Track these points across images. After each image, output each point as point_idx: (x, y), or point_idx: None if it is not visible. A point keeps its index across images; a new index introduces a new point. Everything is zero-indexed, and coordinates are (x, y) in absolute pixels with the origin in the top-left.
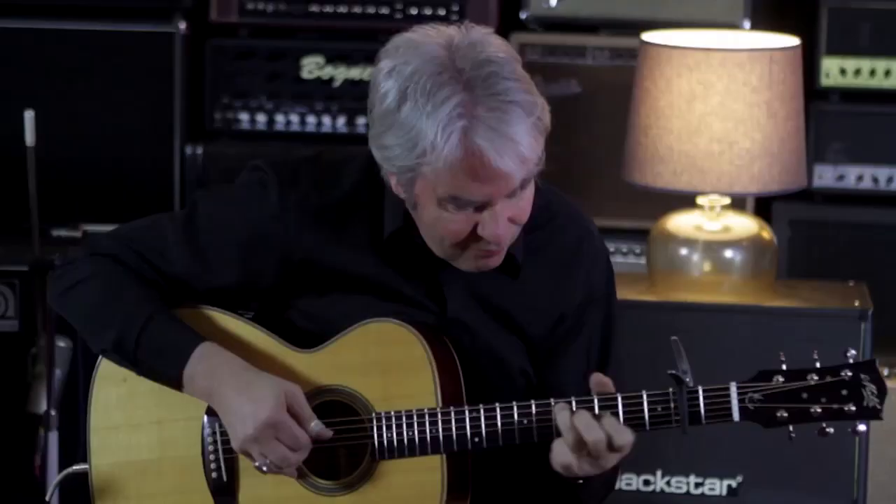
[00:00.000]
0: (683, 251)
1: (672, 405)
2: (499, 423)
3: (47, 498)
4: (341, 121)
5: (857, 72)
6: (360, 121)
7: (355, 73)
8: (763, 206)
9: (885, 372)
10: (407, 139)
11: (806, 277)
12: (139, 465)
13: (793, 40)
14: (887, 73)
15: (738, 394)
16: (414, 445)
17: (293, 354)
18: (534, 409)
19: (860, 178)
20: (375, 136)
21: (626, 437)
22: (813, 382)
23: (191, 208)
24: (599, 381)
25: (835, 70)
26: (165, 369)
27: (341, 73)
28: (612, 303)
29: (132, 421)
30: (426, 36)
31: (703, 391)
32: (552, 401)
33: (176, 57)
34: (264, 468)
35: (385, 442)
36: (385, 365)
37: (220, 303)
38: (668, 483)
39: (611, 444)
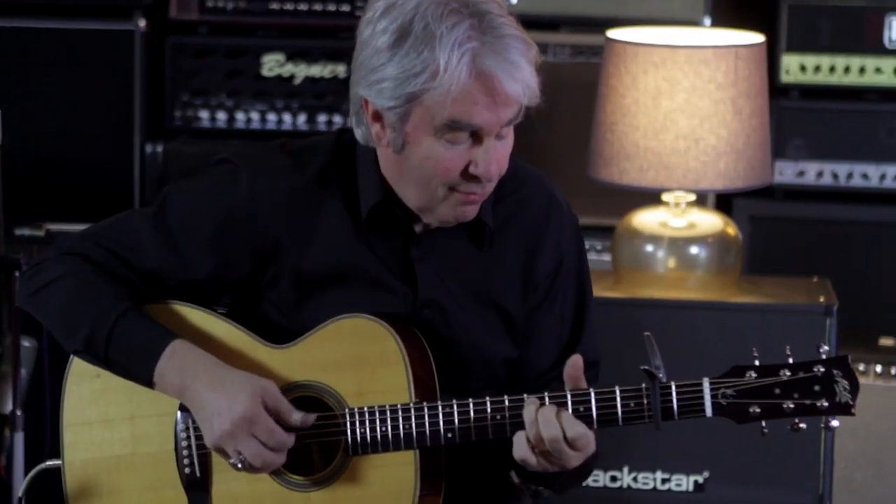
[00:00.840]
0: (649, 248)
1: (645, 401)
2: (471, 418)
3: (20, 493)
4: (302, 118)
5: (817, 68)
6: (321, 118)
7: (315, 70)
8: (723, 203)
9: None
10: (410, 67)
11: (766, 273)
12: (112, 461)
13: (757, 37)
14: (847, 69)
15: (711, 389)
16: (387, 441)
17: (266, 350)
18: (507, 404)
19: (820, 174)
20: (365, 76)
21: (577, 430)
22: (785, 378)
23: (160, 202)
24: (573, 369)
25: (795, 67)
26: (136, 368)
27: (301, 71)
28: (584, 270)
29: (105, 416)
30: None
31: (676, 387)
32: (525, 396)
33: (136, 55)
34: (239, 465)
35: (358, 437)
36: (358, 360)
37: (193, 297)
38: (634, 479)
39: (566, 440)
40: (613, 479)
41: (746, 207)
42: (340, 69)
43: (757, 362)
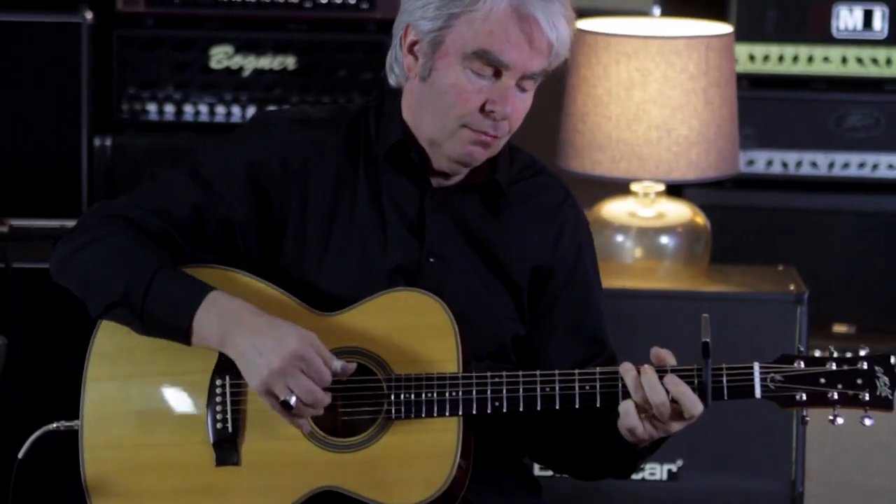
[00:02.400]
0: (618, 238)
1: (696, 378)
2: (520, 390)
3: (20, 455)
4: (251, 111)
5: (766, 58)
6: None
7: (265, 62)
8: (674, 193)
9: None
10: None
11: (717, 263)
12: (136, 416)
13: (726, 27)
14: (795, 58)
15: (761, 373)
16: (432, 406)
17: (313, 316)
18: (557, 378)
19: (770, 163)
20: (412, 2)
21: (681, 389)
22: (831, 369)
23: (191, 157)
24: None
25: (744, 56)
26: (174, 318)
27: (250, 63)
28: (591, 268)
29: (133, 371)
30: None
31: (727, 368)
32: (576, 372)
33: (82, 48)
34: (291, 401)
35: (402, 403)
36: (408, 330)
37: (228, 248)
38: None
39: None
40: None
41: (696, 197)
42: (290, 61)
43: (804, 352)
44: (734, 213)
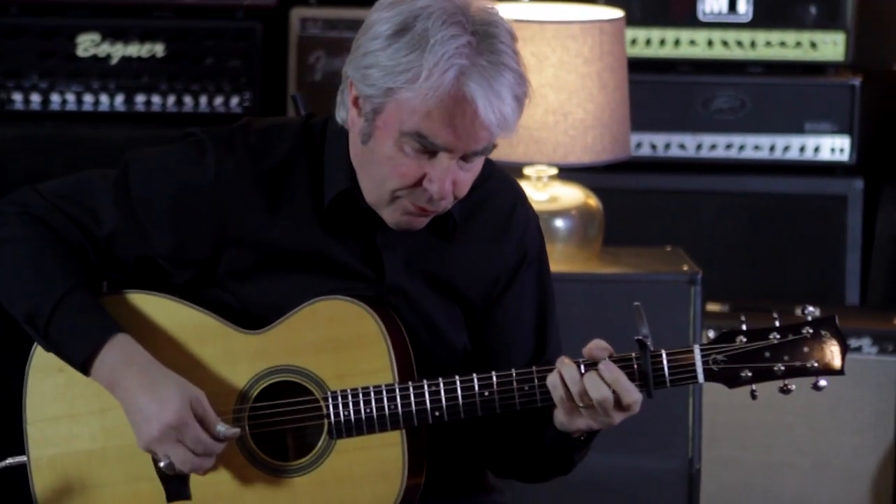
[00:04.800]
0: None
1: (635, 369)
2: (459, 396)
3: None
4: (119, 99)
5: (633, 41)
6: (139, 99)
7: (132, 50)
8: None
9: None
10: (399, 62)
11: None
12: (83, 456)
13: (617, 12)
14: (662, 42)
15: (702, 355)
16: (373, 422)
17: (239, 336)
18: (495, 381)
19: (639, 145)
20: (358, 58)
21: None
22: (775, 341)
23: (122, 169)
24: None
25: None
26: (71, 351)
27: (118, 51)
28: (545, 266)
29: (72, 411)
30: None
31: (667, 355)
32: (513, 371)
33: None
34: (165, 468)
35: (342, 420)
36: (337, 342)
37: (148, 273)
38: None
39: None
40: None
41: (568, 179)
42: (158, 48)
43: (745, 326)
44: (603, 196)
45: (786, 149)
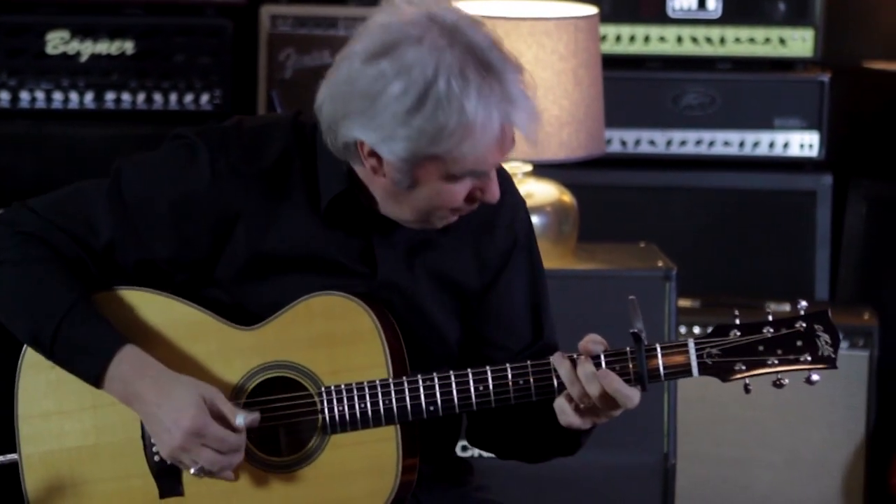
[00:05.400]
0: None
1: (630, 364)
2: (454, 391)
3: None
4: (89, 97)
5: (603, 38)
6: (109, 96)
7: (102, 47)
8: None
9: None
10: (434, 132)
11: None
12: (74, 453)
13: (591, 9)
14: (632, 38)
15: (697, 349)
16: (367, 417)
17: (235, 332)
18: (489, 375)
19: (609, 141)
20: (365, 121)
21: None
22: (769, 335)
23: (114, 176)
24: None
25: None
26: (83, 370)
27: (87, 48)
28: (535, 250)
29: (64, 407)
30: (413, 26)
31: (661, 348)
32: (508, 366)
33: None
34: (200, 474)
35: (336, 415)
36: (332, 338)
37: (147, 276)
38: (463, 448)
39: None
40: (464, 448)
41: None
42: (128, 46)
43: (738, 321)
44: (574, 192)
45: (755, 144)
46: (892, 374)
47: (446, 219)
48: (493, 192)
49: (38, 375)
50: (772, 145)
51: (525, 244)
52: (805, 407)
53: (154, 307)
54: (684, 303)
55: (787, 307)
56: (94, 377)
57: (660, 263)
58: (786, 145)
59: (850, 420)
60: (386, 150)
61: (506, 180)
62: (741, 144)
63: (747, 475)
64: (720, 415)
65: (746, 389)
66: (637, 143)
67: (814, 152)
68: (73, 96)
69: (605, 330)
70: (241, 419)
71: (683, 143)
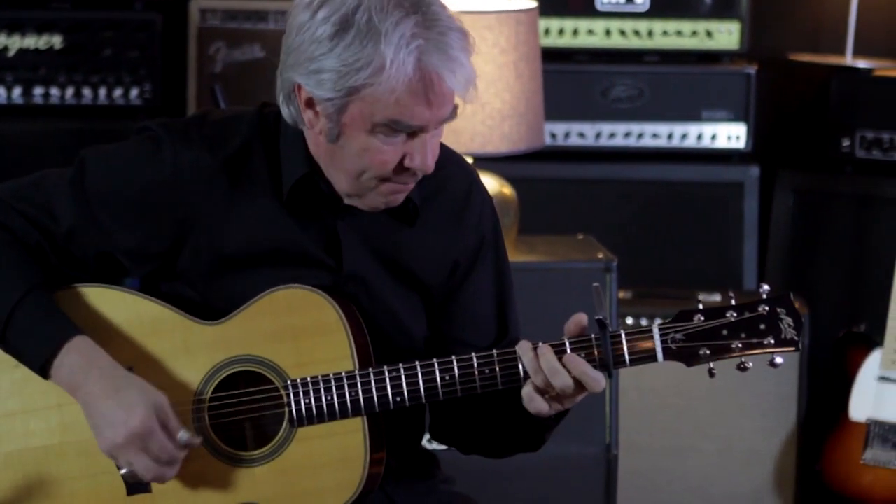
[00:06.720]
0: None
1: (595, 350)
2: (420, 381)
3: None
4: (17, 91)
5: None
6: (37, 91)
7: (30, 42)
8: None
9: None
10: (354, 60)
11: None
12: (41, 452)
13: (531, 2)
14: (560, 31)
15: (661, 334)
16: (334, 409)
17: (199, 327)
18: (455, 365)
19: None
20: (301, 63)
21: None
22: (732, 319)
23: (78, 166)
24: (575, 326)
25: None
26: (31, 355)
27: (15, 43)
28: (502, 246)
29: (28, 407)
30: None
31: (626, 335)
32: (474, 355)
33: None
34: (129, 477)
35: (303, 409)
36: (297, 331)
37: (107, 268)
38: (429, 440)
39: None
40: (429, 441)
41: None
42: (56, 40)
43: (702, 306)
44: (515, 185)
45: (683, 136)
46: (821, 362)
47: (379, 191)
48: (424, 159)
49: (2, 375)
50: (699, 137)
51: (492, 241)
52: (737, 396)
53: (115, 303)
54: (624, 295)
55: (717, 297)
56: (40, 366)
57: (600, 255)
58: (713, 137)
59: (781, 409)
60: (316, 89)
61: (472, 178)
62: (669, 136)
63: (681, 464)
64: (655, 404)
65: (711, 374)
66: (567, 135)
67: (741, 144)
68: (1, 91)
69: (549, 322)
70: (183, 435)
71: (612, 135)
